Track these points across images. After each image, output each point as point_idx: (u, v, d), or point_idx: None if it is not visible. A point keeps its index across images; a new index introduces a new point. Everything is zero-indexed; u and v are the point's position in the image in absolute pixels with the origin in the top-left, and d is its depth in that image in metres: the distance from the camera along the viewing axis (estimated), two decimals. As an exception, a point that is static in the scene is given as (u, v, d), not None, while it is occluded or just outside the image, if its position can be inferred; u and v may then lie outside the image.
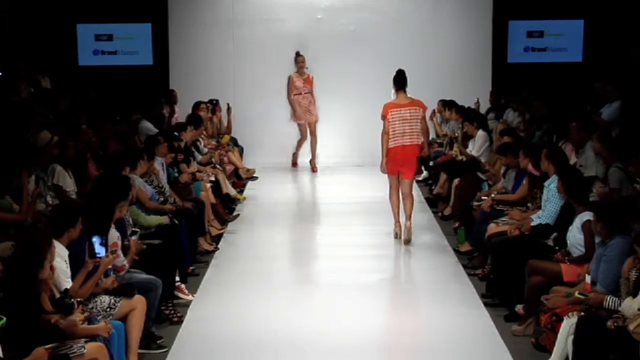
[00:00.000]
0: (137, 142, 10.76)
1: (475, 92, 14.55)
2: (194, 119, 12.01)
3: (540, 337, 6.38)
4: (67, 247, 5.86)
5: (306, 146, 14.77)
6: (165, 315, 7.16)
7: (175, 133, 10.96)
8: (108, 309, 5.99)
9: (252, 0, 15.24)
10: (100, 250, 6.04)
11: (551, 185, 7.63)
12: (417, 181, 13.40)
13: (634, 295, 5.43)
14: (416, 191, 12.62)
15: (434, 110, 14.51)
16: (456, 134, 12.39)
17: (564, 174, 7.24)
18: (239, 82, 15.19)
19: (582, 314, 5.72)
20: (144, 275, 6.68)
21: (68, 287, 5.69)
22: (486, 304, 7.52)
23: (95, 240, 6.03)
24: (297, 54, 14.52)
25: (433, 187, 12.28)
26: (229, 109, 14.47)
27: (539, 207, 7.90)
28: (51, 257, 5.30)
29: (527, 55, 15.44)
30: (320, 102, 14.69)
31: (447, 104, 13.90)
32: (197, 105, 13.34)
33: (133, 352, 6.05)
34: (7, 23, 14.45)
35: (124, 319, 5.99)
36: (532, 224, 7.69)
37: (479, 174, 10.47)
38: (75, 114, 10.96)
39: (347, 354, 6.59)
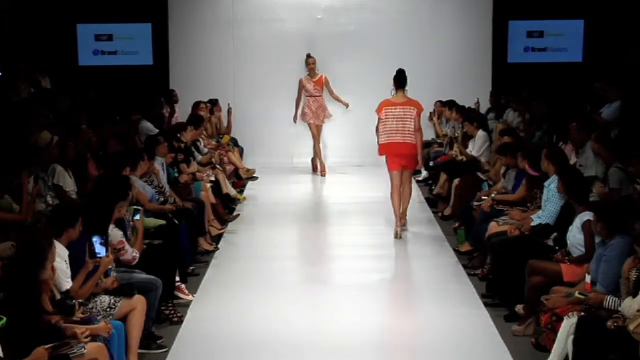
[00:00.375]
0: (137, 142, 10.76)
1: (475, 92, 14.55)
2: (194, 119, 12.01)
3: (540, 337, 6.38)
4: (67, 247, 5.86)
5: (305, 146, 14.74)
6: (165, 315, 7.16)
7: (177, 135, 10.95)
8: (108, 309, 5.99)
9: (252, 0, 15.24)
10: (100, 250, 6.03)
11: (551, 185, 7.63)
12: (417, 181, 13.43)
13: (634, 295, 5.43)
14: (416, 191, 12.64)
15: (432, 111, 14.52)
16: (456, 134, 12.39)
17: (564, 174, 7.23)
18: (239, 82, 15.20)
19: (582, 314, 5.72)
20: (144, 275, 6.68)
21: (68, 288, 5.70)
22: (486, 304, 7.52)
23: (95, 240, 6.03)
24: (308, 56, 14.23)
25: (433, 187, 12.28)
26: (229, 109, 14.47)
27: (539, 207, 7.90)
28: (52, 257, 5.30)
29: (527, 55, 15.44)
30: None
31: (445, 104, 13.90)
32: (196, 105, 13.33)
33: (133, 352, 6.04)
34: (7, 23, 14.45)
35: (124, 319, 5.99)
36: (532, 224, 7.69)
37: (479, 174, 10.47)
38: (75, 114, 10.96)
39: (347, 354, 6.59)
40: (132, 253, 6.76)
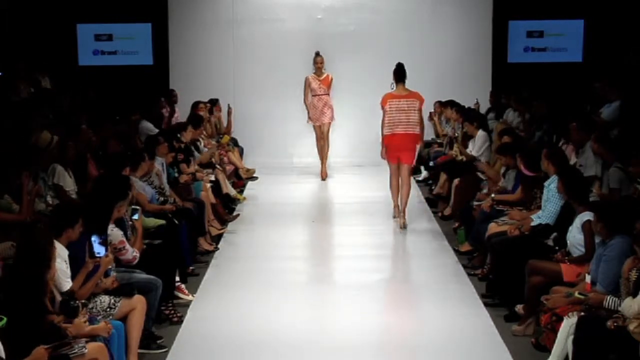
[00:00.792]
0: (137, 142, 10.76)
1: (475, 92, 14.55)
2: (194, 119, 12.01)
3: (540, 337, 6.38)
4: (67, 247, 5.86)
5: (305, 146, 14.72)
6: (165, 315, 7.16)
7: (177, 135, 10.95)
8: (108, 309, 5.99)
9: (252, 0, 15.25)
10: (99, 249, 6.03)
11: (551, 185, 7.63)
12: (417, 181, 13.44)
13: (634, 295, 5.43)
14: (416, 191, 12.66)
15: (432, 111, 14.53)
16: (456, 134, 12.39)
17: (564, 174, 7.23)
18: (239, 82, 15.20)
19: (582, 314, 5.72)
20: (144, 275, 6.68)
21: (68, 288, 5.70)
22: (486, 304, 7.52)
23: (95, 239, 6.03)
24: (317, 54, 13.86)
25: (433, 187, 12.28)
26: (229, 109, 14.47)
27: (539, 207, 7.90)
28: (54, 257, 5.30)
29: (527, 55, 15.44)
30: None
31: (444, 105, 13.89)
32: (195, 105, 13.33)
33: (133, 352, 6.04)
34: (7, 23, 14.45)
35: (124, 319, 5.99)
36: (532, 224, 7.69)
37: (479, 174, 10.46)
38: (75, 114, 10.96)
39: (347, 354, 6.59)
40: (132, 253, 6.77)
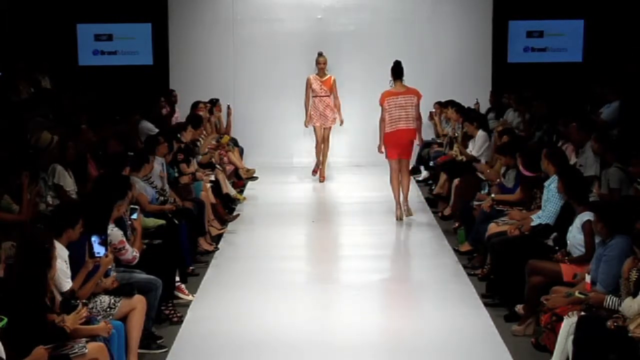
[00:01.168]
0: (137, 142, 10.76)
1: (475, 92, 14.55)
2: (194, 119, 12.01)
3: (540, 337, 6.38)
4: (67, 247, 5.86)
5: (305, 146, 14.70)
6: (165, 315, 7.16)
7: (178, 135, 10.95)
8: (108, 309, 5.99)
9: (252, 0, 15.24)
10: (99, 249, 6.03)
11: (551, 185, 7.63)
12: (417, 181, 13.44)
13: (634, 295, 5.43)
14: (416, 191, 12.68)
15: (432, 111, 14.52)
16: (456, 134, 12.39)
17: (564, 174, 7.23)
18: (239, 82, 15.20)
19: (582, 314, 5.72)
20: (144, 275, 6.68)
21: (68, 288, 5.70)
22: (486, 304, 7.52)
23: (94, 239, 6.03)
24: (319, 55, 13.56)
25: (433, 187, 12.27)
26: (228, 109, 14.46)
27: (539, 207, 7.90)
28: (55, 255, 5.30)
29: (527, 55, 15.44)
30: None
31: (444, 105, 13.89)
32: (195, 105, 13.33)
33: (133, 352, 6.04)
34: (7, 23, 14.45)
35: (124, 319, 5.99)
36: (532, 224, 7.69)
37: (479, 174, 10.47)
38: (75, 114, 10.96)
39: (347, 354, 6.59)
40: (132, 253, 6.77)
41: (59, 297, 5.50)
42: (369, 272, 8.90)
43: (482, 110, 14.20)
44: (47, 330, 4.95)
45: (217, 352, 6.63)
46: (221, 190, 11.13)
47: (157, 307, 6.70)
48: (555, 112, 11.09)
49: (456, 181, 10.67)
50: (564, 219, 7.21)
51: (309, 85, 13.53)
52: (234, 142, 14.00)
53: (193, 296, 7.79)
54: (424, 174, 13.59)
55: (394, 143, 10.69)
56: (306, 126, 13.74)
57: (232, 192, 11.79)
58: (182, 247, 8.25)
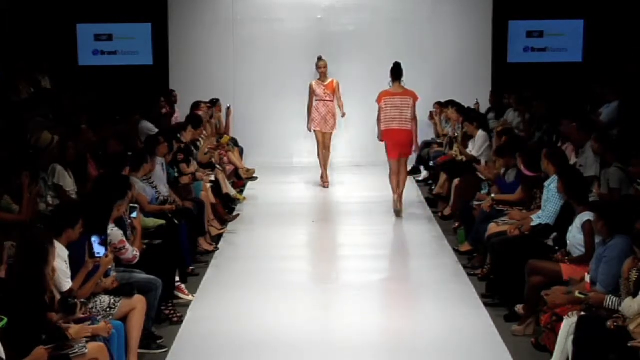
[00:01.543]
0: (137, 142, 10.75)
1: (475, 92, 14.55)
2: (194, 119, 12.00)
3: (540, 337, 6.39)
4: (67, 247, 5.86)
5: (305, 146, 14.69)
6: (165, 315, 7.16)
7: (178, 135, 10.95)
8: (108, 309, 5.99)
9: (252, 0, 15.25)
10: (99, 250, 6.04)
11: (551, 185, 7.63)
12: (417, 181, 13.45)
13: (634, 295, 5.43)
14: (416, 191, 12.68)
15: (432, 111, 14.52)
16: (456, 134, 12.39)
17: (564, 174, 7.24)
18: (239, 82, 15.20)
19: (582, 314, 5.72)
20: (144, 275, 6.68)
21: (68, 288, 5.70)
22: (486, 304, 7.52)
23: (94, 239, 6.03)
24: (319, 59, 13.25)
25: (433, 187, 12.27)
26: (228, 109, 14.45)
27: (539, 207, 7.90)
28: (54, 255, 5.30)
29: (527, 55, 15.44)
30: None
31: (444, 106, 13.89)
32: (196, 105, 13.32)
33: (133, 352, 6.04)
34: (7, 23, 14.44)
35: (124, 319, 5.99)
36: (532, 224, 7.69)
37: (479, 174, 10.46)
38: (75, 114, 10.96)
39: (347, 354, 6.59)
40: (132, 252, 6.78)
41: (59, 297, 5.50)
42: (369, 272, 8.90)
43: (482, 110, 14.20)
44: (47, 330, 4.95)
45: (217, 352, 6.63)
46: (221, 190, 11.13)
47: (157, 307, 6.70)
48: (555, 112, 11.09)
49: (456, 181, 10.68)
50: (564, 219, 7.20)
51: (312, 91, 13.20)
52: (234, 142, 14.00)
53: (193, 296, 7.79)
54: (424, 174, 13.59)
55: (393, 143, 10.94)
56: (309, 130, 13.53)
57: (232, 192, 11.79)
58: (182, 247, 8.25)
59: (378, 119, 11.08)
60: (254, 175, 13.56)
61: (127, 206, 7.11)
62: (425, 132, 14.58)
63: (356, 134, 14.82)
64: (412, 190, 12.56)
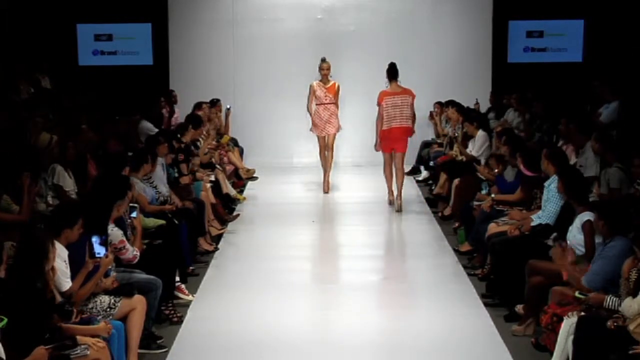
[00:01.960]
0: (137, 142, 10.75)
1: (475, 92, 14.55)
2: (194, 119, 12.00)
3: (540, 337, 6.38)
4: (67, 248, 5.85)
5: (305, 146, 14.67)
6: (165, 315, 7.16)
7: (178, 135, 10.95)
8: (108, 309, 5.99)
9: (252, 0, 15.25)
10: (99, 250, 6.03)
11: (551, 186, 7.63)
12: (417, 181, 13.45)
13: (634, 295, 5.43)
14: (416, 191, 12.68)
15: (432, 111, 14.52)
16: (456, 134, 12.39)
17: (564, 174, 7.23)
18: (239, 82, 15.21)
19: (582, 314, 5.72)
20: (144, 275, 6.68)
21: (68, 288, 5.70)
22: (486, 304, 7.52)
23: (95, 240, 6.03)
24: (322, 60, 12.74)
25: (433, 187, 12.27)
26: (228, 109, 14.44)
27: (539, 207, 7.90)
28: (54, 254, 5.30)
29: (527, 55, 15.44)
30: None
31: (443, 105, 13.89)
32: (198, 106, 13.32)
33: (133, 352, 6.04)
34: (7, 23, 14.45)
35: (124, 319, 5.99)
36: (532, 224, 7.69)
37: (479, 174, 10.46)
38: (75, 114, 10.95)
39: (347, 353, 6.59)
40: (132, 252, 6.78)
41: (59, 298, 5.50)
42: (369, 272, 8.90)
43: (482, 110, 14.20)
44: (47, 330, 4.95)
45: (217, 352, 6.63)
46: (221, 190, 11.13)
47: (157, 307, 6.70)
48: (555, 112, 11.09)
49: (456, 181, 10.68)
50: (564, 219, 7.20)
51: (312, 92, 12.84)
52: (234, 142, 14.00)
53: (193, 296, 7.79)
54: (424, 174, 13.59)
55: (389, 139, 11.32)
56: (311, 131, 13.24)
57: (232, 192, 11.79)
58: (182, 247, 8.25)
59: (378, 118, 11.31)
60: (254, 175, 13.56)
61: (127, 206, 7.11)
62: (425, 132, 14.59)
63: (356, 134, 14.80)
64: (412, 190, 12.56)
